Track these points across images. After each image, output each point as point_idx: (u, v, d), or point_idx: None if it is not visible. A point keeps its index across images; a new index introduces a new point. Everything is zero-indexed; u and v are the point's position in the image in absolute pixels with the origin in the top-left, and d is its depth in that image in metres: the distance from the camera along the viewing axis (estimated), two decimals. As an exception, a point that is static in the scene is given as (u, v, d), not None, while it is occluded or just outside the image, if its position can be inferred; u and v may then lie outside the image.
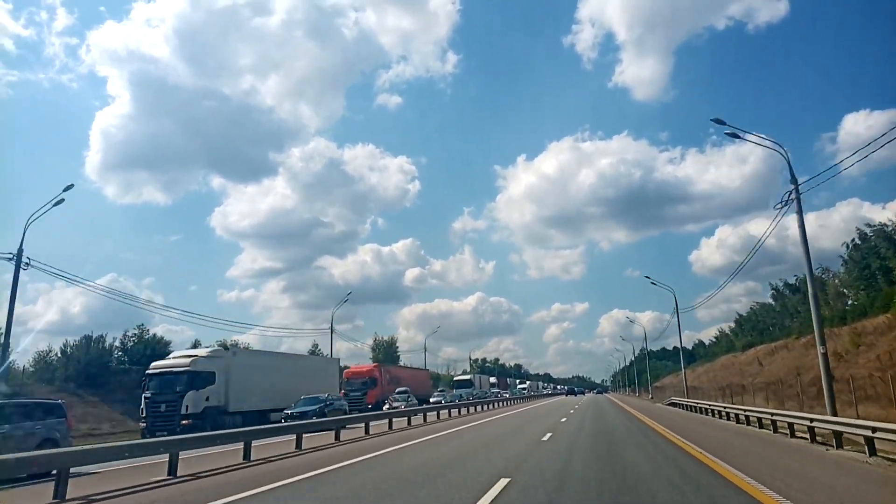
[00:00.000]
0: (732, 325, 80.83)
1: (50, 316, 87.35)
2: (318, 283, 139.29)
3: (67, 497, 9.01)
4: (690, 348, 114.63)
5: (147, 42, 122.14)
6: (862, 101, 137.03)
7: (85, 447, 10.90)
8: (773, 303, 65.01)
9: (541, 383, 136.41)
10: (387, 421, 23.27)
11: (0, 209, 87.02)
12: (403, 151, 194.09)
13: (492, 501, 7.49)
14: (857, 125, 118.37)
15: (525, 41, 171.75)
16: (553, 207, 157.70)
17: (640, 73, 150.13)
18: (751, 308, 73.52)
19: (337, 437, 18.01)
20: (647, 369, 79.12)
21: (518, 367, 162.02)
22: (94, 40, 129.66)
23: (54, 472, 9.41)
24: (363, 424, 20.93)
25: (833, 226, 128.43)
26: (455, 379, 71.37)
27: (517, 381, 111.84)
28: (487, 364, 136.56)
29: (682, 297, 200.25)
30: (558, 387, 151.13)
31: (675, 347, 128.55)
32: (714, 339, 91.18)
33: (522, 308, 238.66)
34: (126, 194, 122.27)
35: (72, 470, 9.54)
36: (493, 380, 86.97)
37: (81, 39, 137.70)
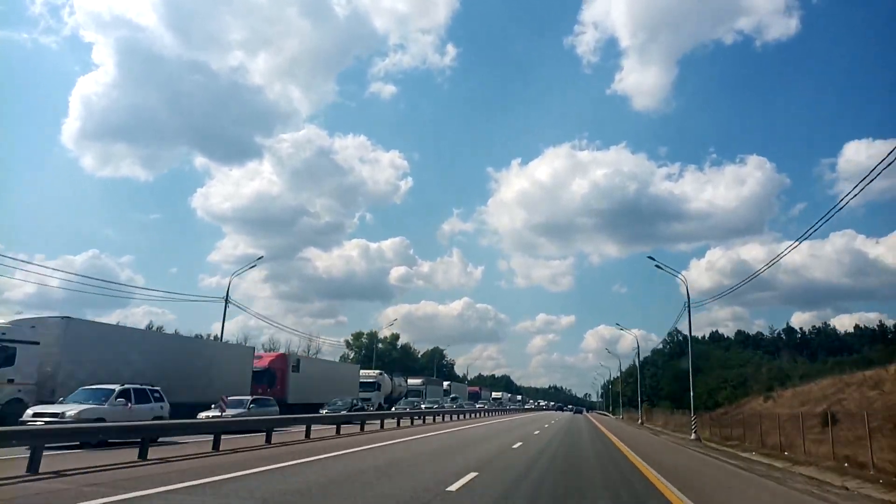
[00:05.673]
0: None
1: (27, 288, 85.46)
2: (302, 275, 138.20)
3: (148, 457, 12.11)
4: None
5: (133, 8, 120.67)
6: (865, 128, 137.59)
7: (164, 422, 14.17)
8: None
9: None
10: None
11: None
12: (396, 145, 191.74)
13: None
14: (859, 153, 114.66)
15: (525, 38, 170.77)
16: (544, 215, 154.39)
17: (642, 81, 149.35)
18: None
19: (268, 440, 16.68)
20: (689, 371, 35.14)
21: (446, 364, 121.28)
22: (79, 2, 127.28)
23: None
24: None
25: (825, 256, 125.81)
26: None
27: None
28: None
29: (666, 316, 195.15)
30: (513, 398, 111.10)
31: (739, 331, 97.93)
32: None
33: (508, 316, 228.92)
34: (104, 167, 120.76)
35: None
36: None
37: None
